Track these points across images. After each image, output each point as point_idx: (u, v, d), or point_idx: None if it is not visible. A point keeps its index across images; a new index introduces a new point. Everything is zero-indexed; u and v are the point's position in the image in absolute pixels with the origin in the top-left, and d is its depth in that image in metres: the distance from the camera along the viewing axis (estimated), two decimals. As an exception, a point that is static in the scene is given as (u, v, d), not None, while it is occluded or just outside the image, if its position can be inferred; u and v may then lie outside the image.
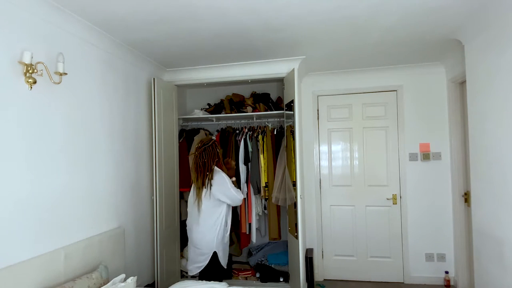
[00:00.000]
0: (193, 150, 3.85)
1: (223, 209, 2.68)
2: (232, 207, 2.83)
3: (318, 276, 3.85)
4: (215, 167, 2.71)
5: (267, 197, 3.66)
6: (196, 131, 4.05)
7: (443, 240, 3.62)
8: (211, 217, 2.64)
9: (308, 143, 3.93)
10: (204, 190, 2.64)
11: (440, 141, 3.65)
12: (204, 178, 2.64)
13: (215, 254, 2.64)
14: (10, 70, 1.83)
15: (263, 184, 3.67)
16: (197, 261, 2.67)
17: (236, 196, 2.65)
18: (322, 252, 3.91)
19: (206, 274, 2.65)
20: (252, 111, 3.85)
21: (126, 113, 2.99)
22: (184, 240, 3.93)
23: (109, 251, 2.54)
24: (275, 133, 3.81)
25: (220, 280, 2.69)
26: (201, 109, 4.15)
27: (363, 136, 3.87)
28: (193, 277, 3.76)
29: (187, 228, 2.80)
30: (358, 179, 3.87)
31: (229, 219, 2.77)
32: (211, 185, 2.62)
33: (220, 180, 2.64)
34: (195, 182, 2.70)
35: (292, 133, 3.14)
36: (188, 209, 2.80)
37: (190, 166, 2.88)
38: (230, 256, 3.36)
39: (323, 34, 2.72)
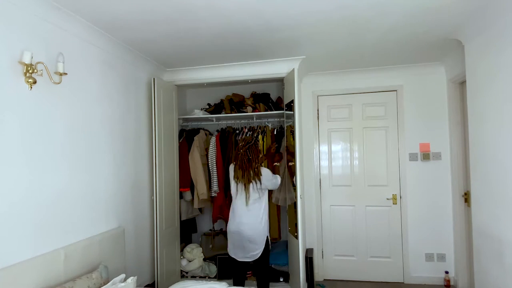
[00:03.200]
0: (206, 148, 3.85)
1: (265, 198, 2.93)
2: None
3: (318, 276, 3.85)
4: None
5: (267, 197, 3.67)
6: (196, 131, 4.05)
7: (443, 240, 3.61)
8: (259, 208, 2.86)
9: (308, 143, 3.93)
10: (251, 184, 2.82)
11: (440, 141, 3.65)
12: (250, 173, 2.82)
13: (267, 239, 2.88)
14: (10, 70, 1.83)
15: (263, 184, 3.67)
16: (250, 249, 2.84)
17: (278, 182, 2.99)
18: (322, 252, 3.91)
19: (262, 260, 2.89)
20: (252, 111, 3.85)
21: (126, 113, 2.99)
22: (184, 240, 3.93)
23: (109, 251, 2.54)
24: (275, 133, 3.81)
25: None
26: (201, 109, 4.15)
27: (363, 136, 3.87)
28: (193, 277, 3.77)
29: (232, 221, 2.91)
30: (358, 179, 3.87)
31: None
32: (259, 179, 2.83)
33: (265, 172, 2.90)
34: (240, 178, 2.85)
35: (292, 133, 3.14)
36: (232, 205, 2.96)
37: (232, 165, 3.10)
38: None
39: (323, 34, 2.72)
